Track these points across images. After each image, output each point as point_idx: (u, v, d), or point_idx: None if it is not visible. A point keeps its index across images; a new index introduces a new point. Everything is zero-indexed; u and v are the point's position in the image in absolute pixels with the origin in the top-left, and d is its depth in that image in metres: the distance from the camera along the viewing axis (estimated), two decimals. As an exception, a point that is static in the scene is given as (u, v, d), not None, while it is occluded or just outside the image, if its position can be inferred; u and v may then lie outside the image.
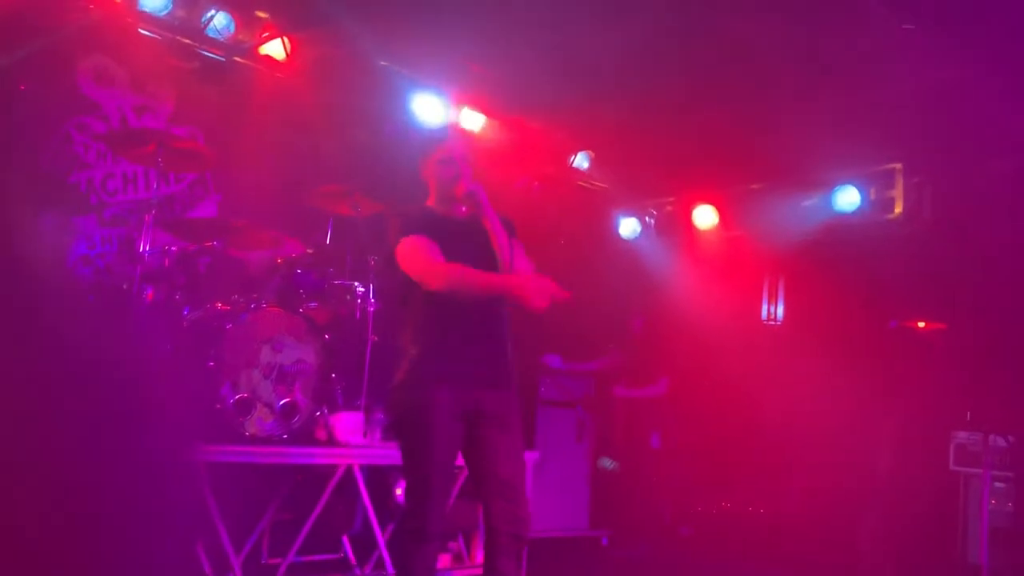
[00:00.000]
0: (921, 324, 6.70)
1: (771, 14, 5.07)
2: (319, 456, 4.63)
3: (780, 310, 8.05)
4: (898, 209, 6.81)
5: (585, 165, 7.77)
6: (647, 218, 8.52)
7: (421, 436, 3.14)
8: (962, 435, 6.03)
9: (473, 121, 6.73)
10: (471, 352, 3.20)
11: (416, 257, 3.20)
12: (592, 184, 8.16)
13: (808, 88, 5.90)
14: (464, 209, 3.32)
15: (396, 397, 3.24)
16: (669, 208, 8.42)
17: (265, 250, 5.23)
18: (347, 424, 4.78)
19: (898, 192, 6.82)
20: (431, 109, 6.45)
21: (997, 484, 5.75)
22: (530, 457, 5.27)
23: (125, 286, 4.83)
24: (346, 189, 5.26)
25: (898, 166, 6.81)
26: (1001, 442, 5.67)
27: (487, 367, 3.22)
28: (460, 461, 3.30)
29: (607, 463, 6.91)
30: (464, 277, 3.13)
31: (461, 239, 3.27)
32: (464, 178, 3.27)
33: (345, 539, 5.05)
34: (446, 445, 3.16)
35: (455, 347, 3.19)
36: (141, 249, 4.68)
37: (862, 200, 6.96)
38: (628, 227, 8.49)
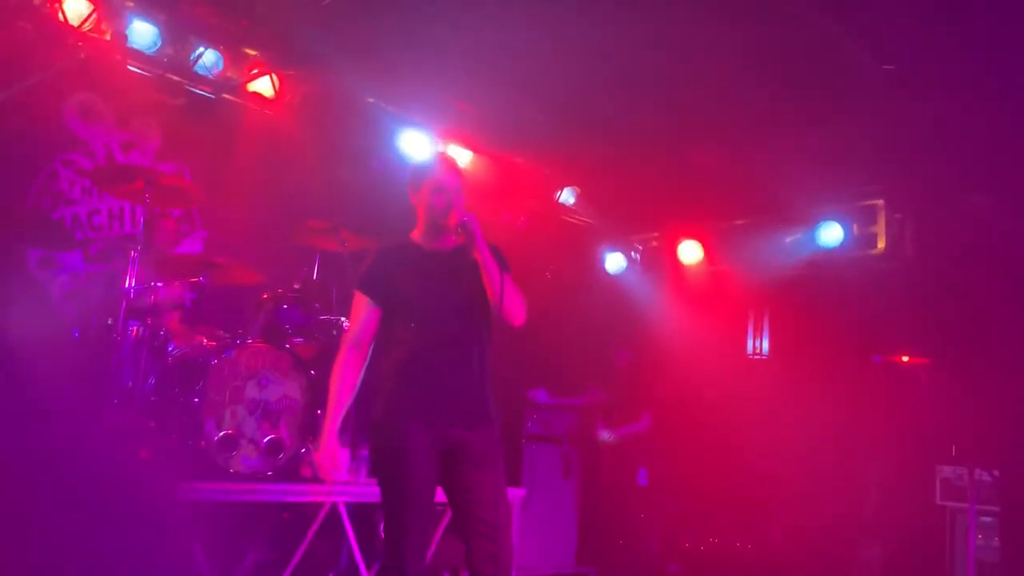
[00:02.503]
0: (905, 358, 6.73)
1: (754, 53, 5.16)
2: (304, 493, 4.59)
3: (765, 344, 8.07)
4: (881, 244, 6.87)
5: (571, 201, 7.82)
6: (633, 253, 8.56)
7: (397, 474, 3.13)
8: (947, 470, 6.03)
9: (459, 157, 6.78)
10: (446, 391, 3.18)
11: (350, 322, 3.36)
12: (578, 219, 8.21)
13: (791, 125, 5.98)
14: (451, 240, 3.30)
15: (373, 435, 3.23)
16: (654, 243, 8.48)
17: (250, 286, 5.23)
18: (333, 461, 4.74)
19: (880, 227, 6.89)
20: (418, 146, 6.50)
21: (983, 519, 5.75)
22: (516, 494, 5.24)
23: (110, 322, 4.81)
24: (333, 225, 5.27)
25: (880, 202, 6.89)
26: (986, 477, 5.68)
27: (463, 406, 3.19)
28: (444, 498, 3.27)
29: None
30: (332, 381, 3.25)
31: (441, 272, 3.27)
32: (457, 208, 3.25)
33: (330, 577, 4.99)
34: (422, 483, 3.13)
35: (430, 386, 3.17)
36: (126, 285, 4.66)
37: (845, 235, 7.02)
38: (614, 262, 8.53)
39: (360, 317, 3.30)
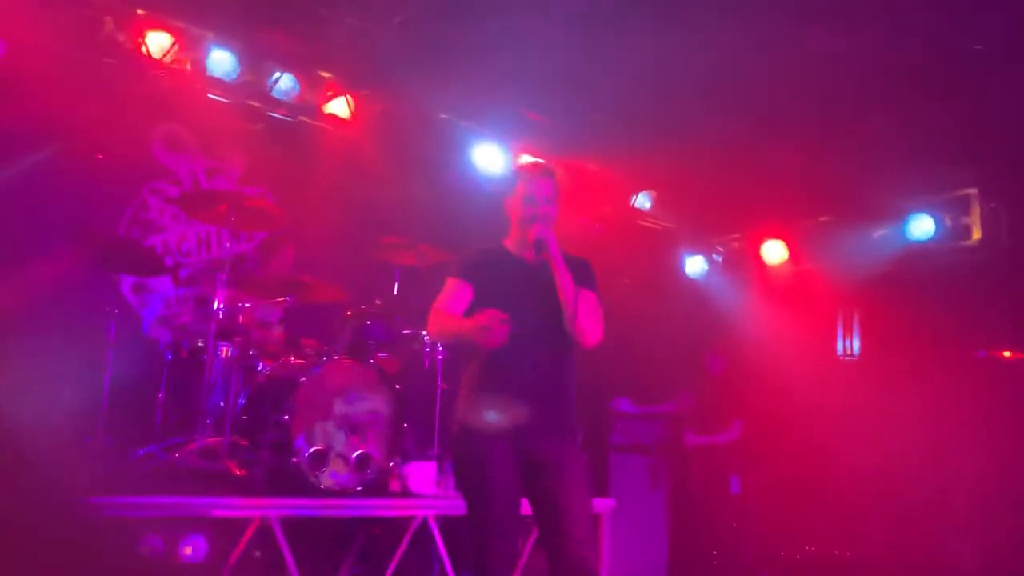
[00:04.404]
0: (1007, 353, 6.44)
1: (834, 41, 5.01)
2: (394, 508, 4.60)
3: (856, 344, 7.82)
4: (976, 235, 6.60)
5: (647, 205, 7.73)
6: (714, 255, 8.40)
7: (478, 487, 3.11)
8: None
9: (535, 167, 6.77)
10: (527, 400, 3.13)
11: (437, 301, 3.26)
12: (655, 223, 8.10)
13: (874, 115, 5.78)
14: (532, 254, 3.29)
15: (455, 445, 3.22)
16: (736, 244, 8.29)
17: (335, 303, 5.31)
18: (421, 474, 4.76)
19: (974, 218, 6.62)
20: (492, 158, 6.52)
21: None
22: (605, 505, 5.17)
23: (201, 344, 4.94)
24: (411, 240, 5.32)
25: (973, 191, 6.62)
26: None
27: (544, 417, 3.14)
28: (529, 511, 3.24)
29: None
30: (440, 324, 3.19)
31: (526, 283, 3.23)
32: (539, 222, 3.22)
33: (422, 592, 5.00)
34: (504, 494, 3.09)
35: (510, 395, 3.13)
36: (216, 307, 4.78)
37: (937, 228, 6.76)
38: (694, 265, 8.38)
39: (450, 293, 3.23)
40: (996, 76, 5.13)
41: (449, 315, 3.17)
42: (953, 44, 4.83)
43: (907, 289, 6.86)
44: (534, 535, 4.84)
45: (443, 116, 6.49)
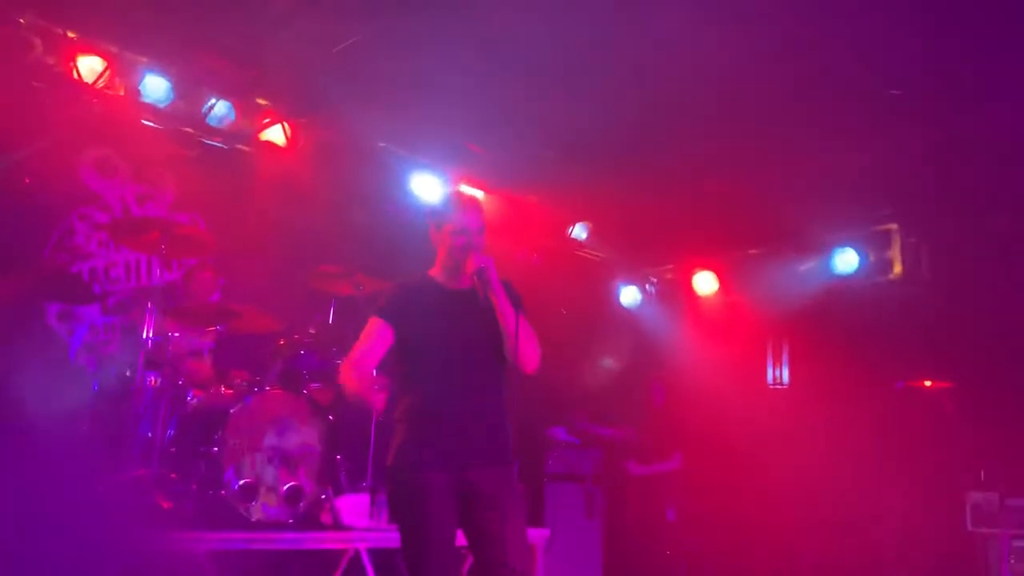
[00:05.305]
0: (928, 383, 6.66)
1: (763, 82, 5.18)
2: (325, 541, 4.55)
3: (785, 374, 8.00)
4: (897, 269, 6.84)
5: (584, 236, 7.83)
6: (647, 286, 8.54)
7: (416, 520, 3.08)
8: (977, 495, 5.93)
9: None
10: (463, 433, 3.14)
11: (357, 343, 3.27)
12: (591, 254, 8.21)
13: (802, 152, 5.99)
14: (468, 281, 3.30)
15: (390, 479, 3.19)
16: (669, 275, 8.45)
17: (267, 333, 5.24)
18: (353, 507, 4.72)
19: (895, 252, 6.87)
20: (430, 188, 6.55)
21: (1017, 543, 5.64)
22: (540, 535, 5.18)
23: (128, 373, 4.83)
24: (347, 269, 5.30)
25: (894, 226, 6.87)
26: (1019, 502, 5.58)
27: (480, 448, 3.15)
28: (464, 542, 3.23)
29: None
30: (344, 381, 3.22)
31: (459, 312, 3.24)
32: (476, 251, 3.24)
33: (354, 626, 4.93)
34: (443, 526, 3.08)
35: (447, 428, 3.13)
36: (144, 336, 4.69)
37: (861, 261, 6.99)
38: (629, 295, 8.51)
39: (370, 337, 3.24)
40: (916, 117, 5.36)
41: (358, 377, 3.19)
42: (874, 88, 5.05)
43: (833, 320, 7.07)
44: (468, 564, 4.83)
45: (381, 145, 6.49)
